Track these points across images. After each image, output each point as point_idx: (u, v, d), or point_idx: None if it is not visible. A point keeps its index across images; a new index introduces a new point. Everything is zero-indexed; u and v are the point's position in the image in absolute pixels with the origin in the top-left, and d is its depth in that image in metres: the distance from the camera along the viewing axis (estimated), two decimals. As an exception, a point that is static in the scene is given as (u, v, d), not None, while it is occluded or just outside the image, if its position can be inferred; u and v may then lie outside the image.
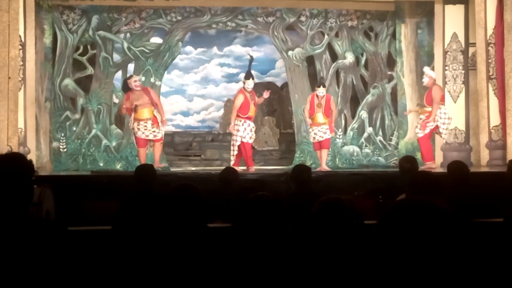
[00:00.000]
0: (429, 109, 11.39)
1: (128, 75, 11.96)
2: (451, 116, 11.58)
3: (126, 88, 11.22)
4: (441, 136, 11.82)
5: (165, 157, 12.79)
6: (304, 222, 3.12)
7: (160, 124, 10.98)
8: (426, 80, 11.51)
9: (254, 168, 11.25)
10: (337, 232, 3.00)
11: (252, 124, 11.30)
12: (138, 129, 10.94)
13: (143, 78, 12.99)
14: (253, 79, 11.43)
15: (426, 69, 11.83)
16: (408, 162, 7.76)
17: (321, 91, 11.59)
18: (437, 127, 11.44)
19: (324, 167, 11.43)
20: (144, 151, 11.10)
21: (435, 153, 12.76)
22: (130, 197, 6.30)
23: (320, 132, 11.52)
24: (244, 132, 11.18)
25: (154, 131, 10.96)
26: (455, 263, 1.83)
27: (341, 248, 2.90)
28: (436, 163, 11.80)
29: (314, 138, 11.63)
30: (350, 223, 3.02)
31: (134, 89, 10.97)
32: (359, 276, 2.65)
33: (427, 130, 11.41)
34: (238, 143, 11.19)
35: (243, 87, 11.35)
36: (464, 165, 6.86)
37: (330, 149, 12.00)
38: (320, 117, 11.53)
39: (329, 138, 11.64)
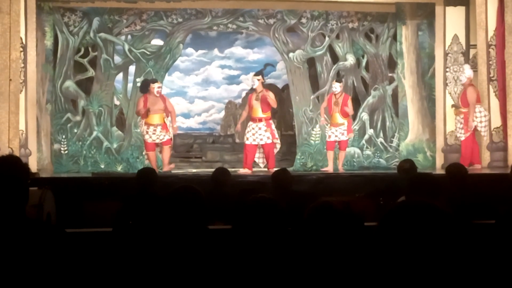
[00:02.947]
0: (464, 110, 11.31)
1: (150, 78, 11.85)
2: (487, 113, 11.44)
3: (144, 89, 11.19)
4: (482, 135, 11.55)
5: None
6: (294, 227, 3.11)
7: (170, 130, 11.01)
8: (464, 79, 11.44)
9: (245, 170, 11.01)
10: (331, 236, 3.00)
11: (252, 126, 11.17)
12: (147, 132, 10.95)
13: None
14: (256, 76, 11.36)
15: (466, 67, 11.73)
16: (407, 162, 7.91)
17: (335, 86, 11.46)
18: (475, 127, 11.33)
19: (340, 168, 11.41)
20: (154, 154, 11.08)
21: (435, 154, 12.77)
22: (131, 199, 6.31)
23: (337, 132, 11.36)
24: (247, 133, 11.23)
25: (162, 136, 10.95)
26: (455, 265, 1.83)
27: (337, 251, 2.90)
28: (482, 165, 11.56)
29: (330, 136, 11.45)
30: (343, 227, 3.02)
31: (153, 94, 10.95)
32: (360, 278, 2.65)
33: (468, 133, 11.31)
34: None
35: (252, 87, 11.40)
36: (463, 167, 6.86)
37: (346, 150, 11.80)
38: (337, 117, 11.35)
39: (346, 140, 11.50)
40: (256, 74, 11.43)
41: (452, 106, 11.92)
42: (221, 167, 8.08)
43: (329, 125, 11.61)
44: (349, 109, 11.43)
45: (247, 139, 11.15)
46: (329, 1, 13.03)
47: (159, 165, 11.33)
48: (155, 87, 11.01)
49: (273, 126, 11.27)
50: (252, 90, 11.46)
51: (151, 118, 10.92)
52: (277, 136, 11.33)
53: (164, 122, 10.99)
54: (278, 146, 11.44)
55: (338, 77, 12.33)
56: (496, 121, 11.79)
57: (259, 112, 11.13)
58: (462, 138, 11.40)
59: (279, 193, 6.54)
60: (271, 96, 11.13)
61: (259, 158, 11.34)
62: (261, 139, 11.06)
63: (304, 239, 2.84)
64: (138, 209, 5.66)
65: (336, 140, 11.43)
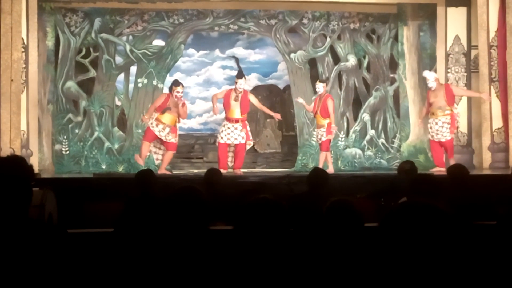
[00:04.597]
0: (448, 111, 11.06)
1: (177, 81, 11.38)
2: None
3: (170, 89, 11.03)
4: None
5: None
6: (313, 222, 3.15)
7: (177, 134, 10.88)
8: (434, 84, 11.06)
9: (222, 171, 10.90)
10: (345, 232, 3.04)
11: (228, 125, 10.98)
12: (156, 126, 10.76)
13: (145, 81, 13.02)
14: (244, 78, 11.23)
15: (426, 73, 11.54)
16: (407, 163, 7.95)
17: (318, 86, 11.33)
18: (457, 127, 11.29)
19: (330, 169, 11.25)
20: (148, 146, 10.86)
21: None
22: (133, 200, 6.31)
23: (319, 134, 11.25)
24: (221, 133, 11.06)
25: (168, 137, 10.78)
26: (456, 265, 1.83)
27: (346, 249, 2.91)
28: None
29: (317, 140, 11.42)
30: (358, 225, 3.07)
31: (176, 96, 10.76)
32: (361, 277, 2.65)
33: (454, 134, 11.22)
34: (217, 143, 11.15)
35: (235, 87, 11.07)
36: (464, 168, 6.85)
37: (329, 151, 11.44)
38: (319, 118, 11.23)
39: (326, 141, 11.15)
40: (243, 77, 11.24)
41: (439, 108, 11.12)
42: (212, 168, 8.05)
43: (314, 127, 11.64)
44: (329, 109, 11.13)
45: (222, 138, 10.98)
46: (330, 2, 13.02)
47: (148, 163, 11.28)
48: (174, 90, 10.79)
49: (248, 128, 11.14)
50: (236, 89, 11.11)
51: (164, 117, 10.77)
52: (251, 137, 11.22)
53: (174, 126, 10.82)
54: (249, 146, 11.34)
55: (323, 77, 12.20)
56: (498, 122, 11.80)
57: (236, 113, 10.99)
58: (448, 138, 11.11)
59: (313, 191, 6.62)
60: (251, 99, 11.14)
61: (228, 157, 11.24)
62: (236, 139, 10.93)
63: (322, 233, 2.86)
64: (140, 211, 5.66)
65: (319, 141, 11.29)
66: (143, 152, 10.90)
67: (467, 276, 1.86)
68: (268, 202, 3.03)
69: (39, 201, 7.18)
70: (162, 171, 10.77)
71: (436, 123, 11.16)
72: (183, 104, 10.89)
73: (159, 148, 11.06)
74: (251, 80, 13.90)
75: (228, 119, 11.03)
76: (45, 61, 12.43)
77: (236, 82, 11.10)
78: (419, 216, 1.89)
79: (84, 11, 12.87)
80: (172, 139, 10.80)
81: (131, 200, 6.35)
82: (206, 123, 14.12)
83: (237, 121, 10.97)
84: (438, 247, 1.83)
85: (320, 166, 11.04)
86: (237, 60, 12.97)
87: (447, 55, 12.78)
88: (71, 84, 12.79)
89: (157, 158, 11.10)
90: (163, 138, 10.78)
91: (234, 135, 10.96)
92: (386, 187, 8.02)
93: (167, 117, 10.77)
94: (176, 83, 11.09)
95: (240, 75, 11.27)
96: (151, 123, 10.80)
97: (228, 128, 10.99)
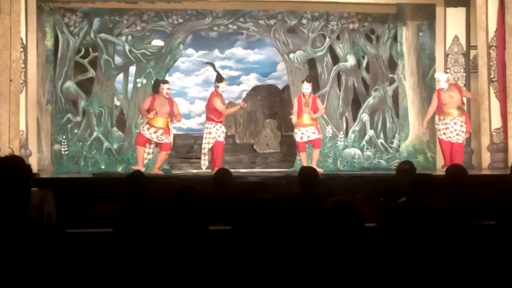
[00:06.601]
0: (461, 111, 11.11)
1: (161, 79, 11.75)
2: None
3: (155, 89, 11.10)
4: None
5: (167, 159, 12.78)
6: (310, 223, 3.15)
7: (171, 134, 10.90)
8: (446, 85, 11.04)
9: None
10: (346, 233, 3.05)
11: (223, 127, 11.26)
12: (147, 129, 10.83)
13: (144, 81, 13.01)
14: (225, 81, 11.40)
15: (439, 74, 11.53)
16: (406, 163, 8.00)
17: (305, 86, 11.41)
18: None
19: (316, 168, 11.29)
20: (141, 150, 10.90)
21: (436, 155, 12.76)
22: (128, 202, 6.30)
23: (308, 132, 11.36)
24: (216, 132, 11.09)
25: (161, 138, 10.84)
26: (455, 265, 1.83)
27: (346, 249, 2.91)
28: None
29: (301, 138, 11.39)
30: (359, 225, 3.08)
31: (162, 96, 10.85)
32: (360, 278, 2.65)
33: (468, 134, 11.29)
34: (211, 145, 11.10)
35: (216, 91, 11.19)
36: (462, 168, 6.85)
37: (320, 148, 11.74)
38: (306, 117, 11.35)
39: (319, 138, 11.48)
40: (224, 80, 11.41)
41: (458, 108, 11.13)
42: (223, 168, 8.07)
43: (294, 125, 11.60)
44: (322, 110, 11.61)
45: (219, 136, 11.11)
46: (329, 2, 13.03)
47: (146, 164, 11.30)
48: (164, 87, 10.88)
49: None
50: (217, 94, 11.24)
51: (155, 120, 10.80)
52: None
53: (167, 126, 10.85)
54: None
55: (308, 77, 12.20)
56: (497, 122, 11.81)
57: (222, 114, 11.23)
58: (465, 138, 11.22)
59: (305, 192, 6.61)
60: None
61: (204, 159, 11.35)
62: (224, 137, 11.26)
63: (322, 233, 2.86)
64: (136, 212, 5.65)
65: (309, 140, 11.40)
66: (138, 156, 10.95)
67: (467, 276, 1.86)
68: (267, 203, 3.02)
69: (38, 201, 7.18)
70: (155, 171, 10.77)
71: (455, 123, 11.12)
72: (172, 101, 10.99)
73: (150, 148, 11.06)
74: (250, 80, 13.91)
75: (221, 121, 11.21)
76: (44, 61, 12.42)
77: (218, 86, 11.20)
78: (419, 216, 1.89)
79: (83, 11, 12.86)
80: (166, 139, 10.84)
81: (126, 201, 6.34)
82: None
83: (223, 122, 11.31)
84: (438, 247, 1.83)
85: (314, 163, 11.14)
86: (213, 65, 13.13)
87: (446, 56, 12.78)
88: (70, 84, 12.79)
89: (146, 158, 11.10)
90: (155, 140, 10.85)
91: (223, 133, 11.24)
92: (385, 187, 8.02)
93: (158, 120, 10.80)
94: (163, 81, 11.30)
95: (221, 78, 11.41)
96: (142, 127, 10.93)
97: (224, 129, 11.34)
